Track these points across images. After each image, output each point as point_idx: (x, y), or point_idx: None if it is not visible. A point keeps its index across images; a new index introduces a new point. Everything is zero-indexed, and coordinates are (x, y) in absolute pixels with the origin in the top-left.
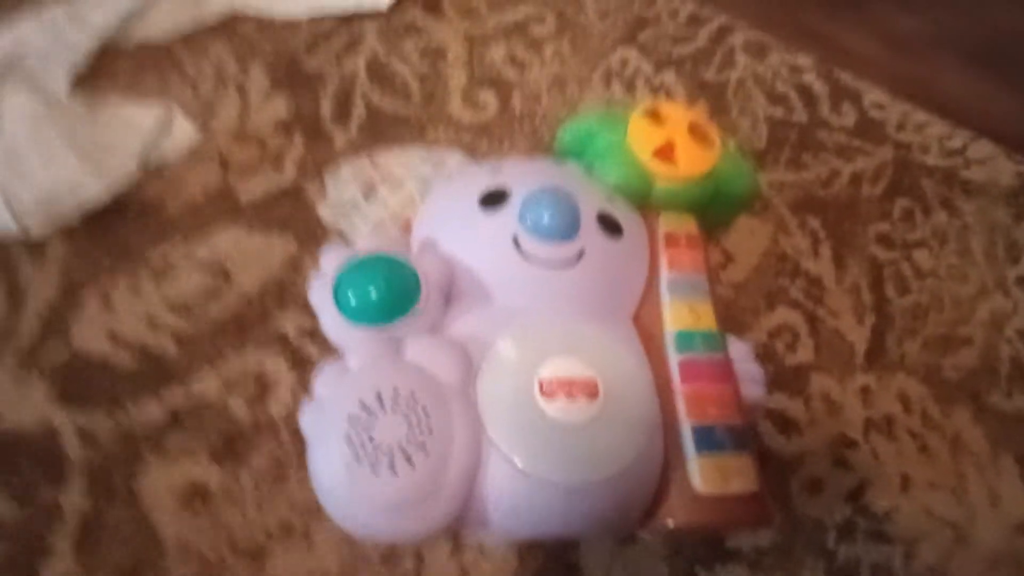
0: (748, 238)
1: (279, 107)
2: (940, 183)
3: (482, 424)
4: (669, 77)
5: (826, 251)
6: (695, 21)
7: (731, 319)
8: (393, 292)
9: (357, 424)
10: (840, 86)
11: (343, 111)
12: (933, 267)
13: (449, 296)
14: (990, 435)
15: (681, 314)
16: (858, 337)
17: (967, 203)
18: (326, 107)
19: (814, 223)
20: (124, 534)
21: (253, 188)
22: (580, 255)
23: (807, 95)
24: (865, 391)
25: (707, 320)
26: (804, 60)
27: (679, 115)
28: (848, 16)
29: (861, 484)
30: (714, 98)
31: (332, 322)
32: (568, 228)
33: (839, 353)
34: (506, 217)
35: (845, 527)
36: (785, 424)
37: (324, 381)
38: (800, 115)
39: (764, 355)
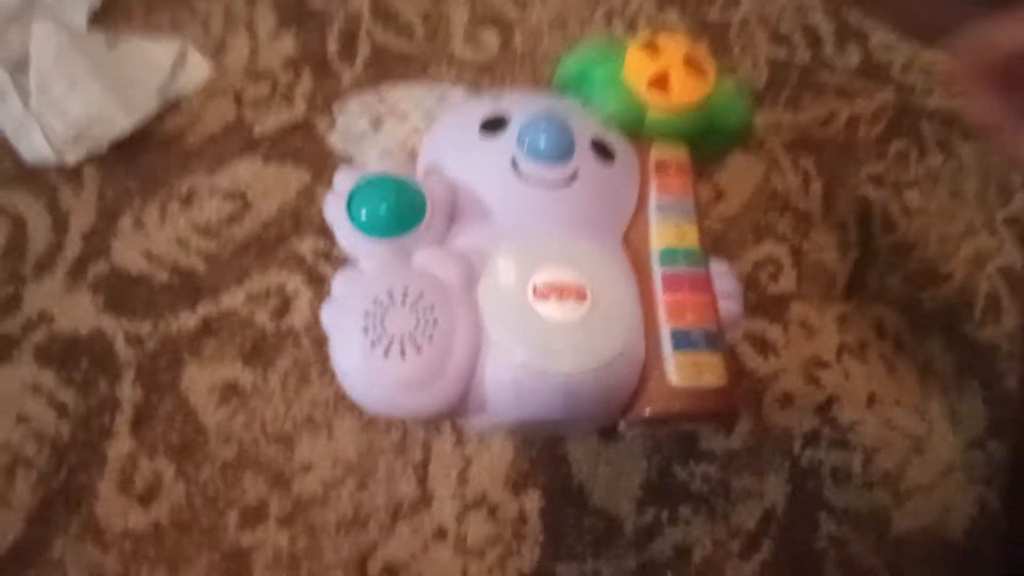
0: (741, 175)
1: (287, 44)
2: (940, 125)
3: (482, 321)
4: (672, 16)
5: (817, 189)
6: None
7: (719, 251)
8: (401, 208)
9: (371, 316)
10: (847, 25)
11: (349, 48)
12: (922, 206)
13: (452, 214)
14: (959, 361)
15: (667, 233)
16: (840, 270)
17: (964, 145)
18: (332, 44)
19: (807, 163)
20: (173, 422)
21: (266, 122)
22: (574, 177)
23: (812, 35)
24: (842, 319)
25: (691, 239)
26: None
27: (676, 46)
28: None
29: (829, 399)
30: (717, 38)
31: (346, 235)
32: (563, 151)
33: (820, 284)
34: (505, 141)
35: (811, 435)
36: (763, 346)
37: (343, 282)
38: (803, 56)
39: (747, 284)
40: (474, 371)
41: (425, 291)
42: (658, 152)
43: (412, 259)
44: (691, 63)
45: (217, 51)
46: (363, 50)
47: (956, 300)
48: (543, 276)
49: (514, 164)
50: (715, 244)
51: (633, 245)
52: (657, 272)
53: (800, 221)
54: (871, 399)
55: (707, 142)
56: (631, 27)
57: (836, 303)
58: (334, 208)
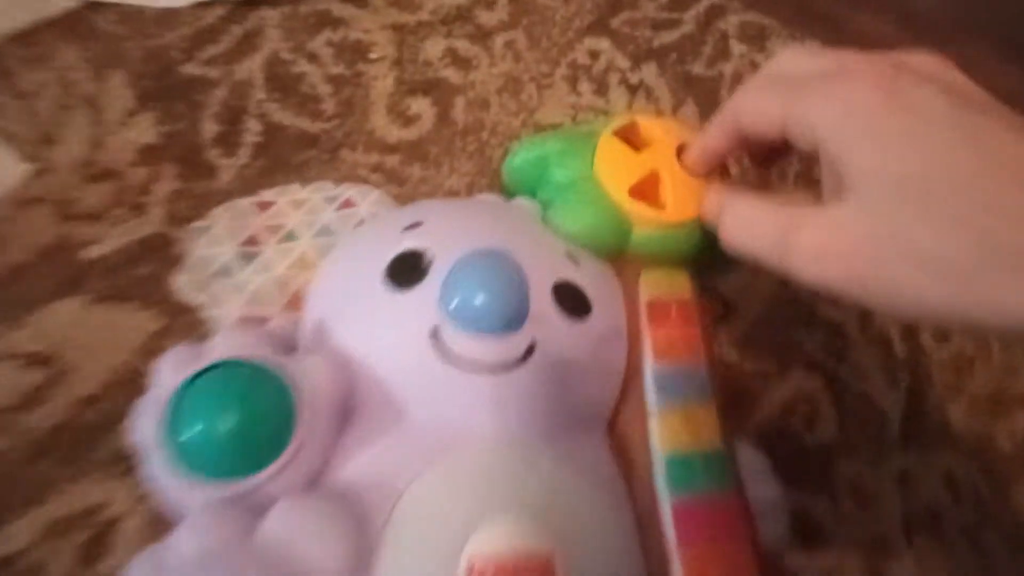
0: (751, 280)
1: (145, 128)
2: None
3: None
4: (650, 73)
5: None
6: (680, 1)
7: (736, 391)
8: (255, 427)
9: None
10: None
11: (232, 131)
12: None
13: (345, 415)
14: None
15: (673, 427)
16: (892, 404)
17: None
18: (209, 126)
19: None
20: None
21: (103, 243)
22: (529, 351)
23: None
24: (904, 478)
25: (709, 433)
26: (809, 46)
27: (664, 134)
28: None
29: None
30: (705, 98)
31: (162, 473)
32: (511, 316)
33: (870, 427)
34: (422, 298)
35: None
36: (808, 531)
37: (143, 570)
38: None
39: (778, 435)
40: None
41: None
42: (650, 287)
43: (262, 525)
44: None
45: (42, 141)
46: (251, 132)
47: None
48: (485, 544)
49: (435, 336)
50: (730, 381)
51: (622, 449)
52: (666, 501)
53: (833, 337)
54: None
55: (710, 257)
56: (601, 89)
57: (893, 454)
58: (145, 424)
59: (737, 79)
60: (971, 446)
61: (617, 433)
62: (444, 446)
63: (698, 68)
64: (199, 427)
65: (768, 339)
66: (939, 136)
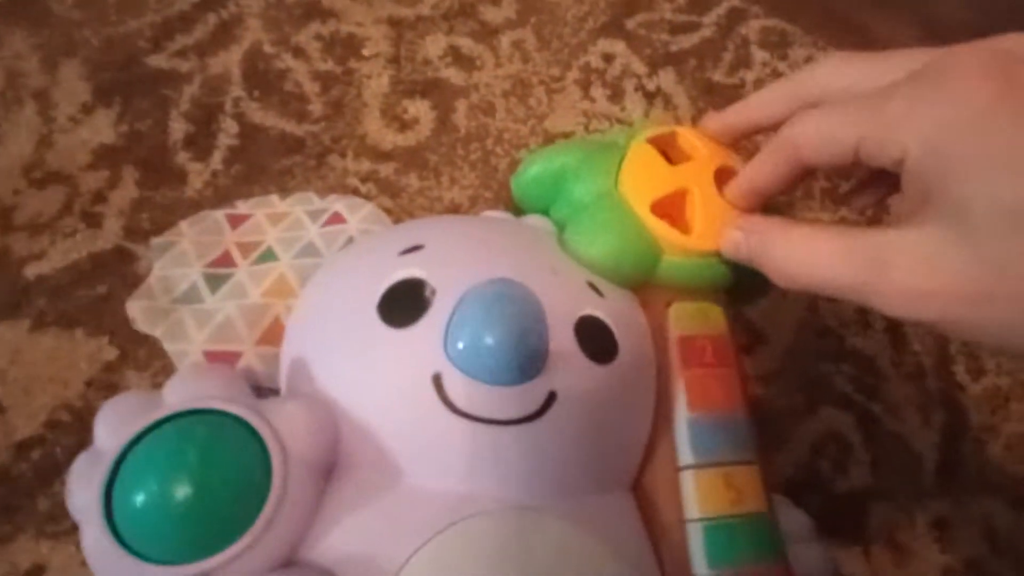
0: (778, 307)
1: (102, 127)
2: None
3: None
4: (668, 79)
5: (879, 320)
6: (699, 3)
7: (765, 428)
8: (215, 496)
9: None
10: None
11: (203, 131)
12: None
13: (329, 474)
14: None
15: (712, 488)
16: (926, 444)
17: None
18: (177, 126)
19: None
20: None
21: (48, 257)
22: (548, 402)
23: None
24: (941, 525)
25: (753, 494)
26: (839, 54)
27: (703, 151)
28: (884, 1)
29: None
30: (725, 107)
31: (100, 550)
32: (528, 362)
33: (905, 470)
34: (424, 337)
35: None
36: None
37: None
38: None
39: (807, 480)
40: None
41: None
42: (682, 322)
43: None
44: (725, 181)
45: None
46: (227, 134)
47: None
48: None
49: (438, 383)
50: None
51: (651, 513)
52: None
53: (864, 371)
54: None
55: (741, 287)
56: (616, 95)
57: (930, 499)
58: (84, 489)
59: (759, 87)
60: (1010, 491)
61: (644, 493)
62: (446, 513)
63: (719, 75)
64: (144, 497)
65: (795, 374)
66: None
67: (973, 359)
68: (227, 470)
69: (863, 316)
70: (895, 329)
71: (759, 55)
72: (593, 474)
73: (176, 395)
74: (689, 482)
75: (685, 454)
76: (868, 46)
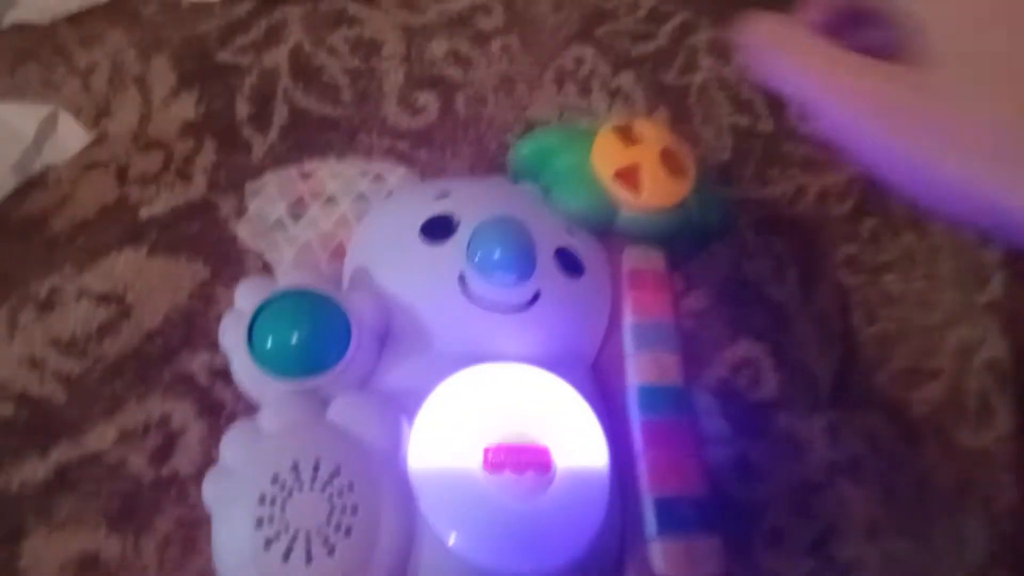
0: (710, 262)
1: (187, 106)
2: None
3: (414, 498)
4: (627, 79)
5: (792, 276)
6: (656, 16)
7: (692, 353)
8: (319, 339)
9: (269, 503)
10: None
11: (262, 112)
12: (902, 292)
13: (384, 340)
14: (958, 475)
15: (645, 366)
16: (824, 370)
17: (935, 222)
18: (242, 107)
19: (779, 246)
20: None
21: (156, 202)
22: (535, 298)
23: (773, 100)
24: (832, 430)
25: (673, 373)
26: None
27: (653, 137)
28: None
29: (824, 533)
30: (675, 104)
31: (246, 372)
32: (523, 268)
33: (805, 388)
34: (452, 251)
35: None
36: (746, 469)
37: (233, 446)
38: (766, 124)
39: (725, 391)
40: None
41: (343, 464)
42: (632, 259)
43: (328, 410)
44: (668, 158)
45: (99, 115)
46: (280, 115)
47: (947, 401)
48: (497, 436)
49: (462, 281)
50: (688, 344)
51: (604, 380)
52: (636, 420)
53: (777, 314)
54: (872, 529)
55: (682, 243)
56: (584, 91)
57: (823, 410)
58: (232, 334)
59: (704, 89)
60: (890, 409)
61: (599, 369)
62: (463, 368)
63: (670, 78)
64: (274, 337)
65: (721, 314)
66: None
67: (869, 308)
68: (324, 324)
69: (780, 272)
70: (806, 283)
71: (705, 61)
72: (564, 352)
73: (287, 280)
74: (630, 362)
75: (628, 344)
76: None
